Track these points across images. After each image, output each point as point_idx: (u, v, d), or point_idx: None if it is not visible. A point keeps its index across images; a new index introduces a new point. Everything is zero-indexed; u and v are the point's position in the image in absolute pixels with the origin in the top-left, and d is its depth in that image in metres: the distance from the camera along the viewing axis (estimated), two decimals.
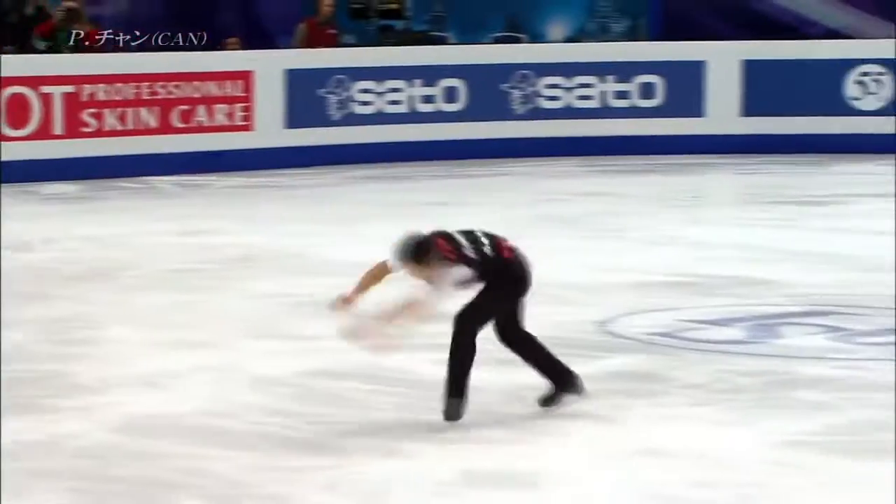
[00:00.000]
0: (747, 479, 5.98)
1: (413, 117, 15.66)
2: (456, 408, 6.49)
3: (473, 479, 5.97)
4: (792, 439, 6.43)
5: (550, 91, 15.97)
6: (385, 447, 6.31)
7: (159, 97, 14.78)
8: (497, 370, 7.52)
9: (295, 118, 15.27)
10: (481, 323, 6.53)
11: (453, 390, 6.49)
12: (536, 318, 8.14)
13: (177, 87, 14.84)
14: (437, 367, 7.60)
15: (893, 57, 16.07)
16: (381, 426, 6.62)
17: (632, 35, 18.70)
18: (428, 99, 15.74)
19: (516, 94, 15.90)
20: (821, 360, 7.73)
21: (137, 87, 14.69)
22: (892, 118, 15.94)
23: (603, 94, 16.05)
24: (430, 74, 15.73)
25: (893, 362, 7.74)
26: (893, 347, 8.06)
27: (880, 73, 16.06)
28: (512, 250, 6.55)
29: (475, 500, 5.79)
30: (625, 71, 16.04)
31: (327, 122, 15.40)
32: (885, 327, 8.48)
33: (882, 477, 6.01)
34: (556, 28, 18.88)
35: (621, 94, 16.05)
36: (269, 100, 15.16)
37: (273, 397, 7.07)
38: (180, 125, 14.88)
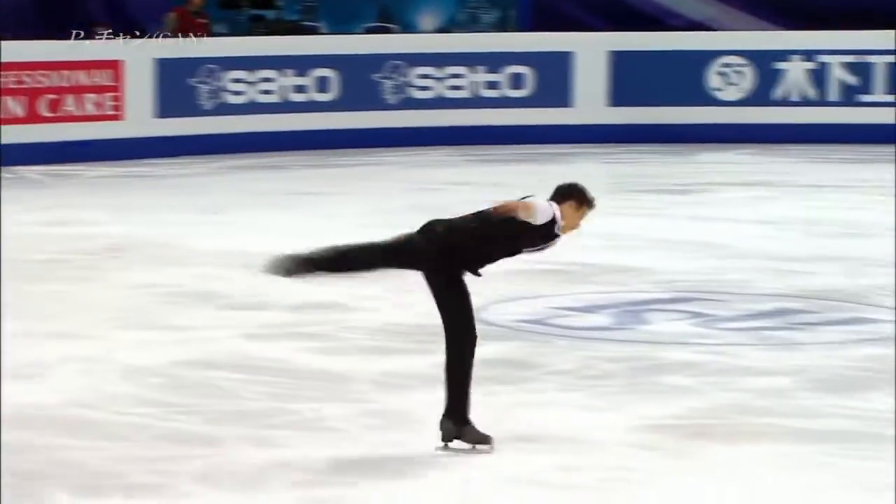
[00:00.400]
0: (614, 462, 6.10)
1: (285, 107, 15.62)
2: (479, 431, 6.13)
3: (344, 467, 6.01)
4: (657, 423, 6.57)
5: (422, 81, 16.04)
6: (257, 436, 6.34)
7: (26, 86, 14.59)
8: (364, 358, 7.60)
9: (165, 108, 15.15)
10: None
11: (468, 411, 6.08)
12: (408, 306, 8.23)
13: (45, 76, 14.65)
14: (305, 356, 7.65)
15: (753, 48, 16.40)
16: (252, 415, 6.64)
17: (501, 26, 18.83)
18: (300, 89, 15.72)
19: (388, 83, 15.94)
20: (685, 346, 7.90)
21: (4, 76, 14.48)
22: (752, 108, 16.27)
23: (474, 84, 16.15)
24: (301, 64, 15.71)
25: (754, 347, 7.95)
26: (754, 332, 8.27)
27: (741, 65, 16.38)
28: None
29: (346, 489, 5.84)
30: (495, 61, 16.16)
31: (198, 112, 15.31)
32: (746, 313, 8.69)
33: (744, 459, 6.17)
34: (428, 18, 18.94)
35: (492, 84, 16.17)
36: (140, 89, 15.03)
37: (144, 387, 7.05)
38: (49, 114, 14.70)
